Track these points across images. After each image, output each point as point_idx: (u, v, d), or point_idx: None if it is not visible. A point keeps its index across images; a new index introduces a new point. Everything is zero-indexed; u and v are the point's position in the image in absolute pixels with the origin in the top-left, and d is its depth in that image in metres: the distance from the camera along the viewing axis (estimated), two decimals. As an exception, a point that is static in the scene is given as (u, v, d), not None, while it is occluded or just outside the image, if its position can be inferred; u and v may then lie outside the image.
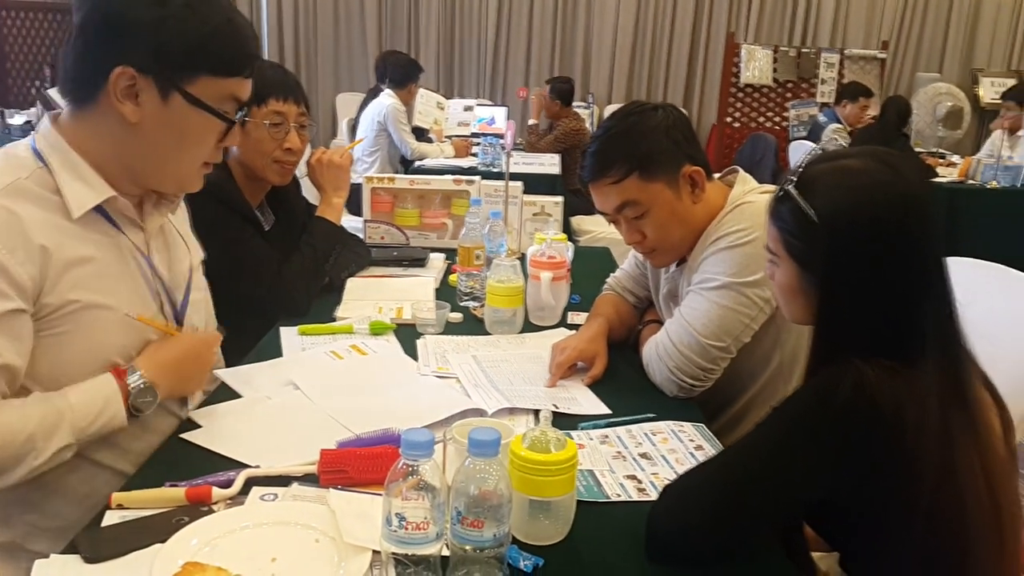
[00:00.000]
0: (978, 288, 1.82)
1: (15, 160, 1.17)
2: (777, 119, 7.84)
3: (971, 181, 5.42)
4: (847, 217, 1.01)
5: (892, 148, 5.15)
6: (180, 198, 1.37)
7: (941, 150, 7.07)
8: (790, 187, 1.07)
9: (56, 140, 1.19)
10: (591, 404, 1.51)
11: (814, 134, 6.32)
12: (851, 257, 1.02)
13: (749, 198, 1.59)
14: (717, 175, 1.72)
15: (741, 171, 1.71)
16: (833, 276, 1.04)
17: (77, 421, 1.13)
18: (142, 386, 1.20)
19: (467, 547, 0.93)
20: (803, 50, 7.85)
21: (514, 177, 2.53)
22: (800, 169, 1.08)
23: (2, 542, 1.20)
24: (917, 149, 6.79)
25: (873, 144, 5.25)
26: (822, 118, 6.38)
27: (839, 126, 6.02)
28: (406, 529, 0.90)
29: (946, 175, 5.65)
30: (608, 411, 1.48)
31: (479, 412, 1.42)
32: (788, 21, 8.57)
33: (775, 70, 7.70)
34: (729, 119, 7.83)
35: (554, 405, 1.47)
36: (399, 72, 5.18)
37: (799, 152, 5.95)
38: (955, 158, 6.22)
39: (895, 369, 0.96)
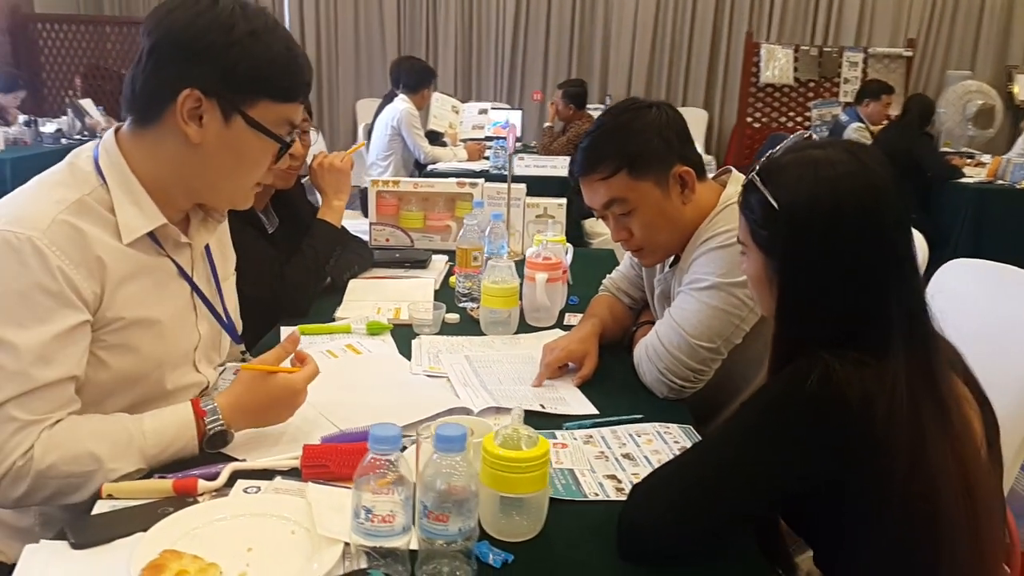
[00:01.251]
0: (999, 292, 1.81)
1: (80, 175, 1.22)
2: (799, 119, 7.80)
3: (1000, 181, 5.35)
4: (807, 206, 1.02)
5: (915, 148, 5.08)
6: (225, 215, 1.43)
7: (971, 149, 6.96)
8: (755, 176, 1.09)
9: (117, 157, 1.24)
10: (579, 404, 1.53)
11: (835, 133, 6.27)
12: (810, 246, 1.03)
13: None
14: (711, 175, 1.73)
15: (734, 170, 1.71)
16: (792, 264, 1.05)
17: (148, 448, 1.18)
18: (218, 429, 1.23)
19: (434, 541, 0.96)
20: (825, 49, 7.79)
21: (526, 180, 2.56)
22: (767, 159, 1.10)
23: (19, 528, 1.26)
24: (946, 149, 6.72)
25: (895, 144, 5.25)
26: (844, 117, 6.32)
27: (861, 125, 5.95)
28: (372, 522, 0.93)
29: (974, 175, 5.57)
30: (595, 411, 1.50)
31: (466, 410, 1.45)
32: (810, 20, 8.51)
33: (796, 69, 7.65)
34: (750, 119, 7.80)
35: (541, 405, 1.50)
36: (412, 77, 5.23)
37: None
38: (985, 157, 6.11)
39: (863, 361, 0.97)
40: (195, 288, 1.36)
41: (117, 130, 1.27)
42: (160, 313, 1.27)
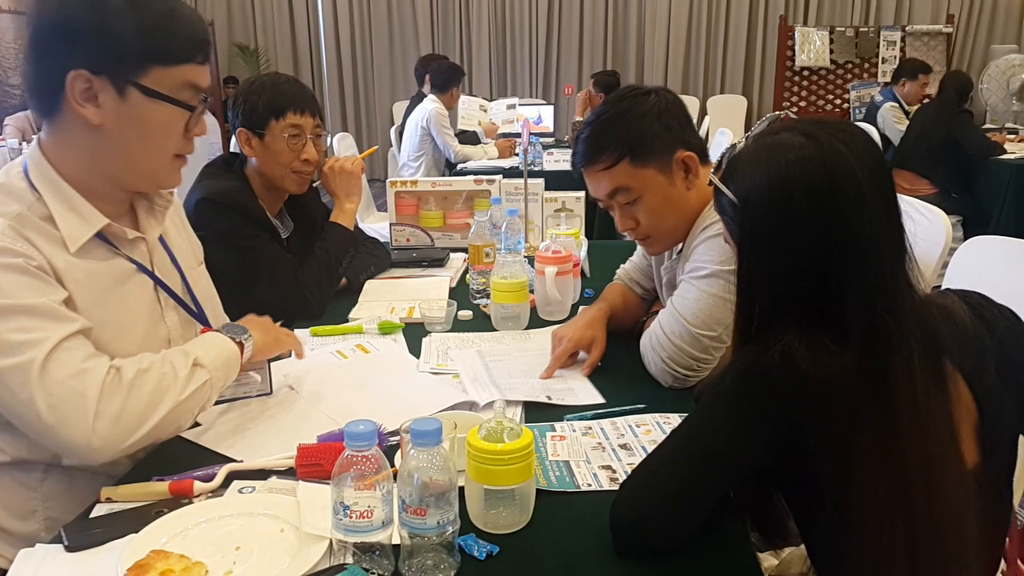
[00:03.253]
0: (1018, 268, 1.74)
1: (15, 191, 1.23)
2: (838, 101, 7.65)
3: (1043, 158, 5.18)
4: (759, 195, 1.01)
5: (953, 126, 4.94)
6: (171, 201, 1.44)
7: (1016, 125, 6.75)
8: (713, 175, 1.08)
9: (44, 167, 1.25)
10: (587, 394, 1.53)
11: (870, 114, 6.14)
12: (762, 233, 1.01)
13: None
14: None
15: None
16: (747, 250, 1.04)
17: (196, 351, 1.28)
18: (236, 326, 1.38)
19: (414, 534, 0.96)
20: (861, 29, 7.62)
21: (556, 174, 2.55)
22: (730, 152, 1.08)
23: (25, 533, 1.29)
24: (990, 125, 6.53)
25: (932, 123, 5.11)
26: (879, 98, 6.20)
27: (894, 104, 5.85)
28: (351, 517, 0.94)
29: (1016, 151, 5.39)
30: (602, 400, 1.50)
31: (472, 405, 1.45)
32: (848, 1, 8.35)
33: (832, 51, 7.50)
34: (787, 104, 7.68)
35: (547, 396, 1.50)
36: (441, 77, 5.26)
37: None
38: (1026, 132, 5.95)
39: (827, 346, 0.95)
40: (156, 280, 1.36)
41: (39, 141, 1.28)
42: (123, 313, 1.29)
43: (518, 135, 5.57)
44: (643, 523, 1.04)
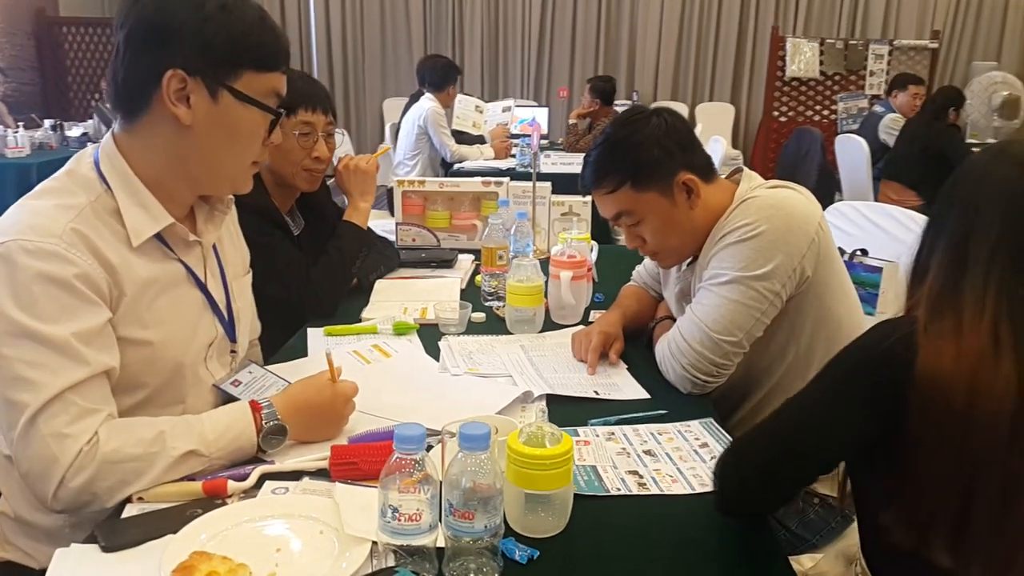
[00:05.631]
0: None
1: (83, 182, 1.22)
2: (825, 112, 7.72)
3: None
4: None
5: (940, 139, 5.03)
6: (230, 208, 1.43)
7: (996, 140, 6.87)
8: None
9: (118, 160, 1.24)
10: (631, 389, 1.58)
11: (868, 125, 6.23)
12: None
13: (755, 193, 1.60)
14: (724, 176, 1.73)
15: (746, 169, 1.73)
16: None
17: (206, 432, 1.19)
18: (276, 423, 1.24)
19: (461, 538, 0.96)
20: (850, 42, 7.71)
21: (552, 177, 2.56)
22: None
23: (48, 529, 1.26)
24: (971, 140, 6.62)
25: (921, 136, 5.19)
26: (879, 108, 6.32)
27: (896, 116, 5.97)
28: (399, 520, 0.94)
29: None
30: (647, 395, 1.55)
31: (529, 395, 1.51)
32: (836, 13, 8.46)
33: (821, 63, 7.57)
34: (776, 113, 7.73)
35: (595, 391, 1.55)
36: (436, 75, 5.24)
37: (847, 145, 5.85)
38: (1011, 149, 6.05)
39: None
40: (202, 288, 1.35)
41: (114, 134, 1.27)
42: (171, 317, 1.27)
43: (512, 137, 5.57)
44: (744, 490, 1.12)
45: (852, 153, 5.74)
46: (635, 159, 1.59)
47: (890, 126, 5.88)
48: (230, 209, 1.45)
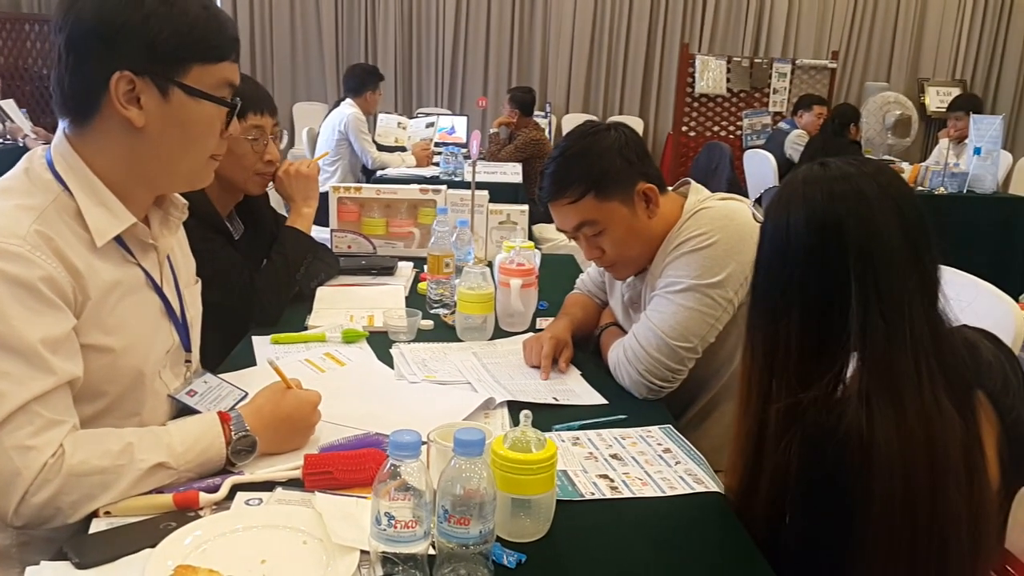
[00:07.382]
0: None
1: (41, 183, 1.16)
2: (732, 128, 8.01)
3: (920, 188, 5.59)
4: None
5: (843, 153, 5.31)
6: (185, 213, 1.38)
7: (891, 157, 7.27)
8: None
9: (74, 160, 1.18)
10: (588, 395, 1.60)
11: (774, 141, 6.50)
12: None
13: (705, 204, 1.66)
14: (671, 188, 1.78)
15: (693, 182, 1.79)
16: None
17: (174, 444, 1.14)
18: (245, 433, 1.21)
19: (454, 544, 0.96)
20: (756, 60, 8.02)
21: (478, 186, 2.56)
22: None
23: None
24: (868, 157, 7.00)
25: (821, 152, 5.46)
26: (784, 125, 6.62)
27: (801, 132, 6.30)
28: (395, 528, 0.93)
29: (894, 181, 5.83)
30: (604, 400, 1.57)
31: (488, 402, 1.51)
32: (740, 32, 8.78)
33: (728, 80, 7.85)
34: (685, 128, 7.96)
35: (554, 398, 1.56)
36: (354, 80, 5.19)
37: (754, 159, 6.10)
38: (904, 165, 6.42)
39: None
40: (160, 295, 1.31)
41: (65, 133, 1.21)
42: (133, 323, 1.23)
43: (437, 145, 5.56)
44: None
45: (759, 166, 5.99)
46: (599, 168, 1.62)
47: (796, 142, 6.17)
48: (184, 214, 1.41)
